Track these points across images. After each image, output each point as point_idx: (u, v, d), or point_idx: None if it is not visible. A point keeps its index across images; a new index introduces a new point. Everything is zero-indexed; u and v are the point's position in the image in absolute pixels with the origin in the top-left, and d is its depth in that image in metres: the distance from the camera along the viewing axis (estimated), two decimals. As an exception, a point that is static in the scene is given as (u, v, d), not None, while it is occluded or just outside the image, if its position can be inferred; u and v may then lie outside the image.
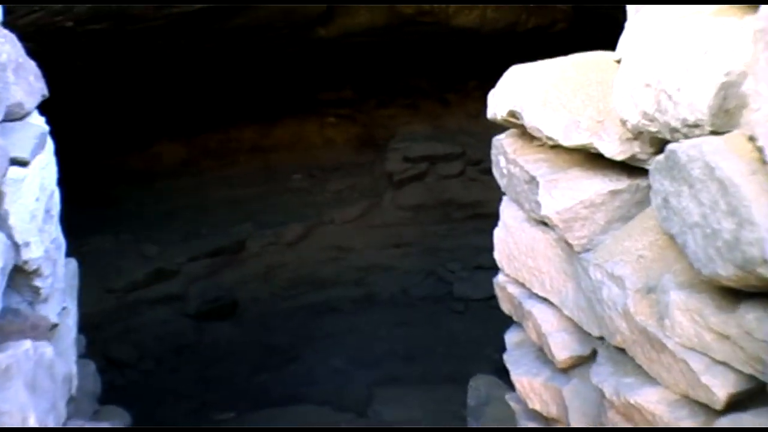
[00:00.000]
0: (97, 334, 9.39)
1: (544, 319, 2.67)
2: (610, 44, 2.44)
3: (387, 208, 12.26)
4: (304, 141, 13.79)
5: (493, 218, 9.73)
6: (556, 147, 2.56)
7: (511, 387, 3.06)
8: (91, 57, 8.77)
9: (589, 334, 2.47)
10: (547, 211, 2.37)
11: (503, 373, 3.24)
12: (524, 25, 9.47)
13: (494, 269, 3.07)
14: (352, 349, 9.65)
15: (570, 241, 2.34)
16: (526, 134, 2.76)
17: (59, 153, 3.33)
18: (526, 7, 9.20)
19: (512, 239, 2.85)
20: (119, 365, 9.55)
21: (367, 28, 9.41)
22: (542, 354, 2.80)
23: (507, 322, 3.23)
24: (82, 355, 4.13)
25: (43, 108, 3.20)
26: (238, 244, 11.52)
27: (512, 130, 2.87)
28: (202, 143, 13.57)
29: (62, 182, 10.23)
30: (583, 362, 2.57)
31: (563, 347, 2.58)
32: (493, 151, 2.96)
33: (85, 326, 9.60)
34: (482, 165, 11.70)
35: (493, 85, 2.83)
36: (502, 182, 2.91)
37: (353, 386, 8.77)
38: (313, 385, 8.97)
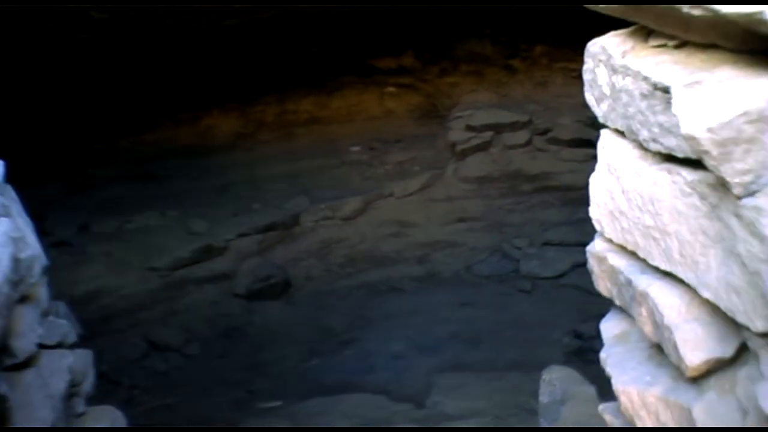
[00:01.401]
0: (139, 315, 9.75)
1: (668, 303, 1.79)
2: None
3: (450, 181, 11.84)
4: (364, 112, 13.52)
5: (563, 191, 9.29)
6: (686, 45, 1.73)
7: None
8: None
9: (738, 326, 1.61)
10: (691, 128, 1.47)
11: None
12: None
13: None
14: (413, 332, 9.18)
15: (727, 179, 1.47)
16: (640, 30, 1.92)
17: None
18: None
19: (619, 187, 1.99)
20: (162, 349, 9.31)
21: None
22: (657, 352, 1.95)
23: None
24: (73, 345, 3.40)
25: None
26: (292, 218, 11.23)
27: (618, 31, 2.02)
28: (257, 115, 13.37)
29: (108, 158, 9.87)
30: (722, 368, 1.73)
31: (696, 346, 1.70)
32: (587, 64, 2.09)
33: (126, 307, 9.18)
34: (550, 134, 11.48)
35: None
36: (600, 108, 2.05)
37: (412, 373, 8.30)
38: (370, 372, 8.54)
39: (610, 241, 2.10)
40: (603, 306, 2.27)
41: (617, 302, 2.12)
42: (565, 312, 9.08)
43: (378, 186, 11.85)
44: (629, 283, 1.97)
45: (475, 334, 9.00)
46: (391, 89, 13.37)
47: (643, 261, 1.92)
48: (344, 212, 11.36)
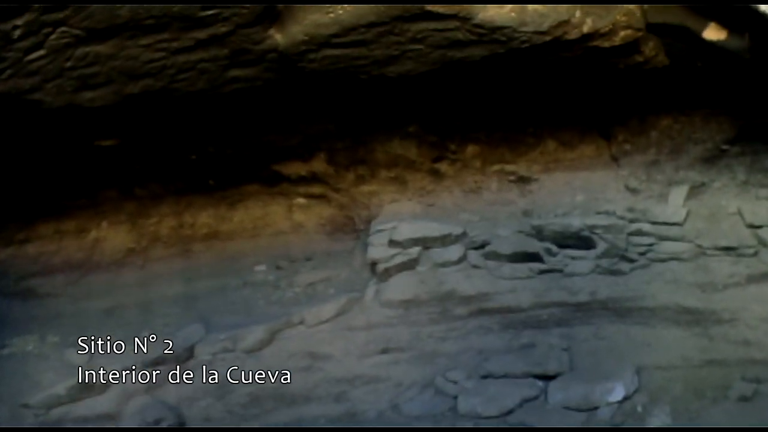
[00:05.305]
0: (9, 461, 8.94)
1: None
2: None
3: (370, 306, 10.96)
4: (270, 226, 12.84)
5: (503, 313, 8.22)
6: None
7: None
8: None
9: None
10: None
11: None
12: (578, 29, 7.29)
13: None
14: (332, 492, 8.32)
15: None
16: None
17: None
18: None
19: None
20: (34, 505, 8.54)
21: (349, 27, 6.93)
22: None
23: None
24: None
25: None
26: (186, 351, 10.36)
27: None
28: (151, 229, 12.55)
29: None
30: None
31: None
32: None
33: (-6, 450, 8.98)
34: (487, 248, 10.63)
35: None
36: None
37: None
38: None
39: None
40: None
41: None
42: (517, 460, 8.39)
43: (286, 312, 11.05)
44: None
45: (408, 495, 8.11)
46: (301, 200, 12.63)
47: None
48: (247, 343, 10.50)
